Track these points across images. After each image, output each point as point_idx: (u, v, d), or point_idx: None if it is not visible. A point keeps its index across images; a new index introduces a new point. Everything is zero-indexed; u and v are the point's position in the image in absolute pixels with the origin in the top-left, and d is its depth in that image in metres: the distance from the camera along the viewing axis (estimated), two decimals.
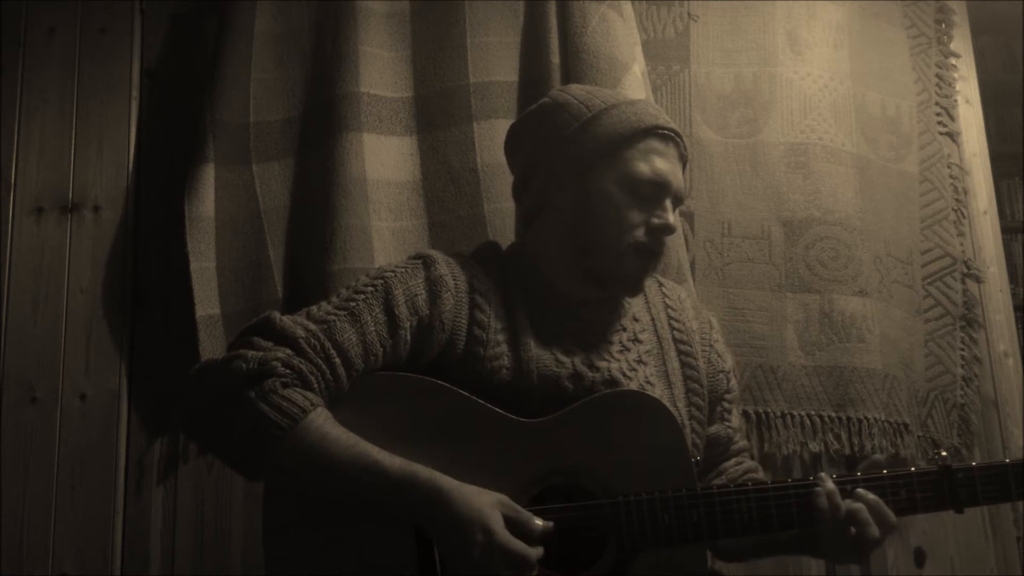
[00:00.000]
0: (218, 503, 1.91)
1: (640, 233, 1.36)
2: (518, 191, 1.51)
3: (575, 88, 1.47)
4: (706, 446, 1.48)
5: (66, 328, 1.96)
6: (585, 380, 1.34)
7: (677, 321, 1.50)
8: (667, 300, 1.52)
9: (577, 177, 1.39)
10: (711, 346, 1.53)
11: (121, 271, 2.00)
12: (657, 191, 1.37)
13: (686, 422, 1.41)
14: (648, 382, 1.40)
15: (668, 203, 1.38)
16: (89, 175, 2.04)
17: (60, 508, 1.87)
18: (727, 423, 1.53)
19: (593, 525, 1.24)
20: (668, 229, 1.37)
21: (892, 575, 2.08)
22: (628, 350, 1.42)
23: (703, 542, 1.26)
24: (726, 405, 1.53)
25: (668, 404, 1.39)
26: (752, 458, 1.60)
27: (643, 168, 1.36)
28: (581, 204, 1.39)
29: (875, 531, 1.23)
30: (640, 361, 1.42)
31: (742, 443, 1.57)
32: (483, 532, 1.16)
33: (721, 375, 1.52)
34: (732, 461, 1.54)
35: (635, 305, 1.48)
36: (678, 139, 1.41)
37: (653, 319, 1.48)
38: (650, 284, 1.52)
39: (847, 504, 1.24)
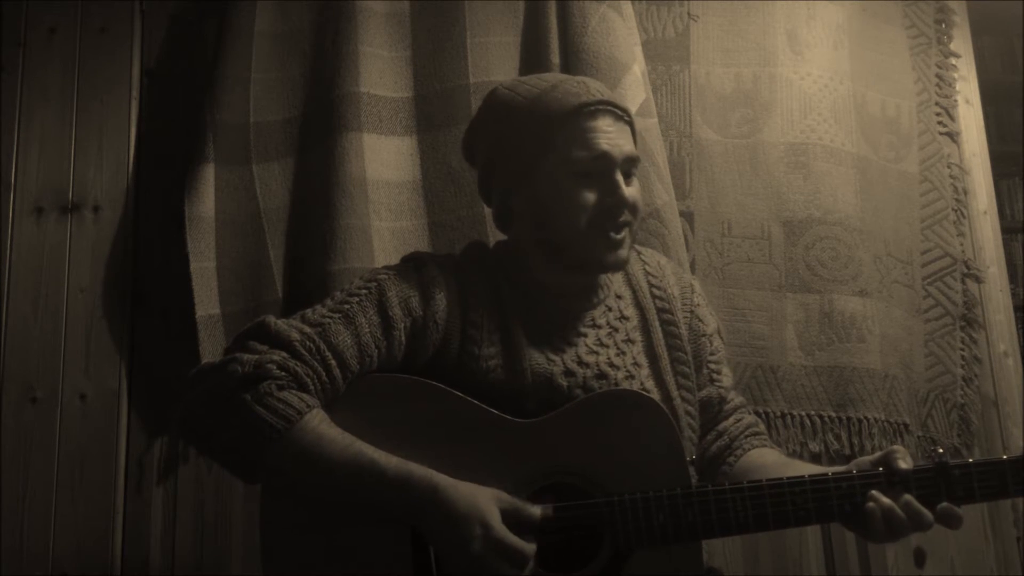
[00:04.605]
0: (218, 503, 1.91)
1: (597, 215, 1.34)
2: (484, 197, 1.52)
3: (501, 92, 1.44)
4: (700, 411, 1.47)
5: (66, 328, 1.96)
6: (577, 376, 1.35)
7: (658, 288, 1.50)
8: (647, 268, 1.52)
9: (524, 180, 1.39)
10: (692, 311, 1.52)
11: (121, 271, 2.00)
12: (601, 169, 1.34)
13: (675, 393, 1.42)
14: (636, 363, 1.40)
15: (617, 177, 1.35)
16: (89, 175, 2.05)
17: (60, 508, 1.88)
18: (717, 384, 1.52)
19: (588, 524, 1.24)
20: (622, 203, 1.34)
21: (892, 575, 2.08)
22: (616, 330, 1.42)
23: (698, 541, 1.26)
24: (712, 367, 1.53)
25: (654, 381, 1.40)
26: (750, 413, 1.59)
27: (579, 152, 1.34)
28: (536, 204, 1.38)
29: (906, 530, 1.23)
30: (628, 340, 1.42)
31: (737, 400, 1.57)
32: (481, 526, 1.16)
33: (703, 339, 1.52)
34: (731, 420, 1.53)
35: (616, 282, 1.48)
36: (609, 107, 1.37)
37: (634, 291, 1.48)
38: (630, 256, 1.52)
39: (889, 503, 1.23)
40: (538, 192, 1.37)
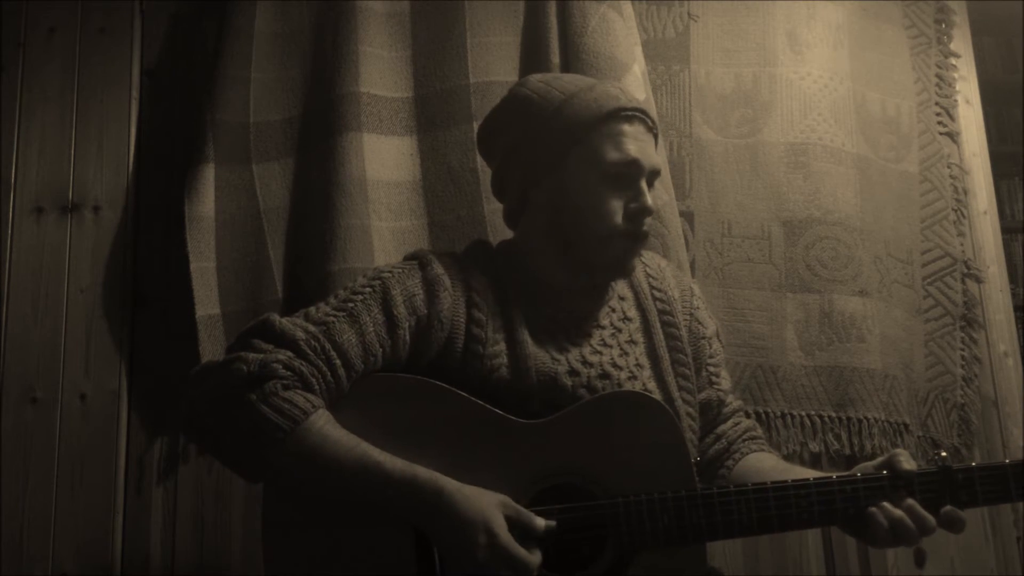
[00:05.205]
0: (218, 503, 1.91)
1: (619, 218, 1.36)
2: (496, 189, 1.52)
3: (534, 82, 1.46)
4: (699, 413, 1.48)
5: (66, 328, 1.96)
6: (581, 376, 1.35)
7: (659, 291, 1.50)
8: (648, 270, 1.53)
9: (549, 172, 1.40)
10: (692, 314, 1.53)
11: (121, 271, 2.00)
12: (629, 174, 1.37)
13: (676, 394, 1.42)
14: (638, 364, 1.41)
15: (643, 184, 1.38)
16: (89, 175, 2.04)
17: (60, 508, 1.87)
18: (716, 387, 1.53)
19: (592, 525, 1.24)
20: (646, 211, 1.37)
21: (892, 575, 2.08)
22: (620, 331, 1.43)
23: (702, 543, 1.26)
24: (712, 369, 1.53)
25: (656, 382, 1.41)
26: (748, 416, 1.60)
27: (611, 154, 1.36)
28: (558, 198, 1.39)
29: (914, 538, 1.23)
30: (631, 341, 1.43)
31: (736, 404, 1.57)
32: (486, 534, 1.16)
33: (703, 341, 1.53)
34: (729, 423, 1.54)
35: (619, 283, 1.48)
36: (643, 116, 1.40)
37: (636, 293, 1.49)
38: None
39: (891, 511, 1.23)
40: (564, 186, 1.39)
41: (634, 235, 1.37)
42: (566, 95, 1.39)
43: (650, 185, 1.40)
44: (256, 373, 1.19)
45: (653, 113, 1.43)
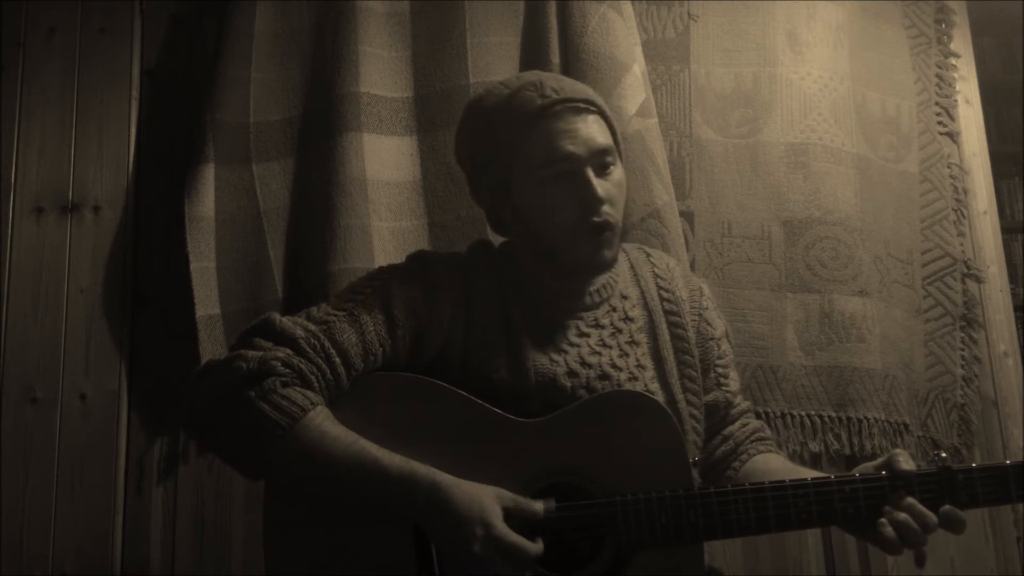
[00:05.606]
0: (218, 503, 1.91)
1: (575, 213, 1.34)
2: (477, 203, 1.52)
3: (472, 103, 1.46)
4: (706, 415, 1.47)
5: (66, 328, 1.96)
6: (580, 377, 1.35)
7: (666, 291, 1.49)
8: (656, 270, 1.51)
9: (504, 191, 1.40)
10: (700, 314, 1.52)
11: (121, 271, 2.00)
12: (569, 169, 1.33)
13: (680, 396, 1.41)
14: (640, 365, 1.40)
15: (588, 173, 1.33)
16: (89, 175, 2.04)
17: (60, 508, 1.88)
18: (724, 388, 1.51)
19: (590, 525, 1.24)
20: (596, 200, 1.33)
21: (892, 575, 2.08)
22: (620, 331, 1.42)
23: (700, 542, 1.26)
24: (720, 371, 1.51)
25: (659, 383, 1.40)
26: (757, 417, 1.59)
27: (543, 159, 1.34)
28: (519, 213, 1.40)
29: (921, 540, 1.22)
30: (632, 342, 1.41)
31: (744, 404, 1.56)
32: (482, 526, 1.16)
33: (711, 342, 1.51)
34: (737, 424, 1.52)
35: (622, 282, 1.47)
36: (569, 103, 1.35)
37: (642, 292, 1.47)
38: (638, 256, 1.52)
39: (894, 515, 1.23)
40: (518, 202, 1.39)
41: (595, 227, 1.34)
42: (493, 111, 1.39)
43: (603, 167, 1.36)
44: (255, 370, 1.20)
45: (577, 91, 1.38)
